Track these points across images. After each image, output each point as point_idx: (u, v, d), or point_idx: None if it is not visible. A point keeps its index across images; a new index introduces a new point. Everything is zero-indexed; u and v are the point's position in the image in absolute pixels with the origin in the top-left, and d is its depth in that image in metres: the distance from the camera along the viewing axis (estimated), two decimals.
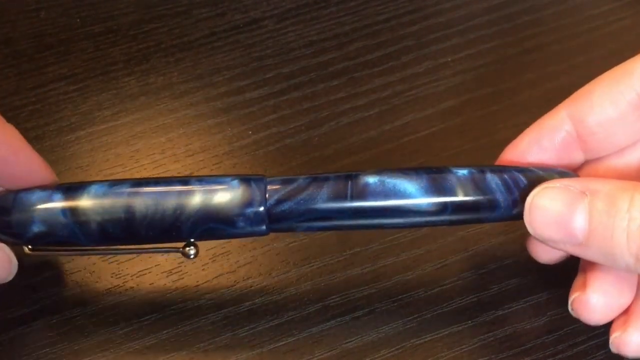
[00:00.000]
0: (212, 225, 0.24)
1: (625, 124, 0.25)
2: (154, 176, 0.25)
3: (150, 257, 0.29)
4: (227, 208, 0.24)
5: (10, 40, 0.36)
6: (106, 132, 0.33)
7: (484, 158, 0.29)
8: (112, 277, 0.28)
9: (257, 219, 0.24)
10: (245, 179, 0.24)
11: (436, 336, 0.27)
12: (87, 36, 0.36)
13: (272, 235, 0.29)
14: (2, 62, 0.35)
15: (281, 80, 0.35)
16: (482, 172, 0.24)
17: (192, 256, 0.26)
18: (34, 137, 0.32)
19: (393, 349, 0.27)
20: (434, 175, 0.24)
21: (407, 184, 0.24)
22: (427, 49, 0.36)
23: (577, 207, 0.22)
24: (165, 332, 0.27)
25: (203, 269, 0.29)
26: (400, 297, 0.28)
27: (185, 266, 0.29)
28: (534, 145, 0.26)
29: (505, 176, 0.24)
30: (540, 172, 0.25)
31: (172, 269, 0.29)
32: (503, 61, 0.36)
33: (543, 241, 0.24)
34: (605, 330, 0.26)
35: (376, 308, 0.28)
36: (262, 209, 0.24)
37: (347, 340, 0.27)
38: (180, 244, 0.26)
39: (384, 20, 0.37)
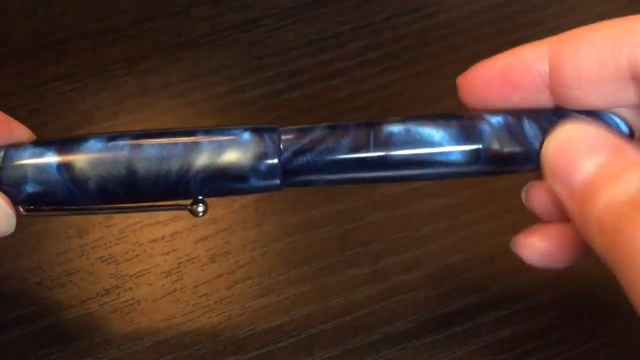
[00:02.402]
0: (222, 182, 0.22)
1: (602, 89, 0.22)
2: (156, 128, 0.23)
3: (149, 258, 0.29)
4: (238, 163, 0.22)
5: (8, 39, 0.36)
6: (105, 132, 0.33)
7: None
8: (110, 277, 0.28)
9: (270, 173, 0.22)
10: (257, 130, 0.22)
11: (437, 337, 0.27)
12: (85, 35, 0.36)
13: (271, 235, 0.29)
14: (0, 61, 0.35)
15: (281, 80, 0.35)
16: (519, 118, 0.22)
17: (200, 214, 0.23)
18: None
19: (393, 349, 0.27)
20: (465, 122, 0.22)
21: (435, 133, 0.22)
22: (428, 48, 0.36)
23: (594, 155, 0.20)
24: (164, 333, 0.27)
25: (202, 270, 0.29)
26: (400, 297, 0.28)
27: (184, 267, 0.29)
28: (500, 75, 0.23)
29: (543, 122, 0.22)
30: (585, 117, 0.22)
31: (171, 270, 0.29)
32: None
33: (547, 171, 0.21)
34: (606, 330, 0.26)
35: (376, 308, 0.28)
36: (276, 161, 0.22)
37: (347, 341, 0.27)
38: (188, 201, 0.23)
39: (384, 19, 0.37)
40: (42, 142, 0.22)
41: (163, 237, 0.29)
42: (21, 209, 0.23)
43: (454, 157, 0.22)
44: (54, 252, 0.29)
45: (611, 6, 0.38)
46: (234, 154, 0.22)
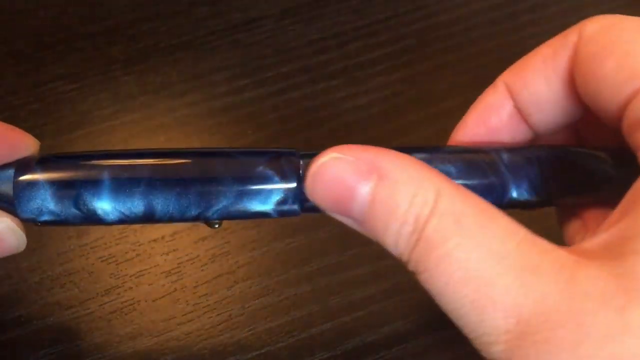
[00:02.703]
0: (242, 216, 0.22)
1: (558, 104, 0.22)
2: (171, 149, 0.22)
3: (149, 258, 0.29)
4: (258, 204, 0.21)
5: (8, 39, 0.35)
6: (105, 132, 0.33)
7: None
8: (110, 277, 0.28)
9: (290, 204, 0.21)
10: (276, 161, 0.21)
11: (437, 337, 0.27)
12: (85, 35, 0.36)
13: (271, 235, 0.29)
14: (0, 62, 0.35)
15: (281, 80, 0.35)
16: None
17: (217, 226, 0.23)
18: (36, 135, 0.32)
19: (393, 349, 0.27)
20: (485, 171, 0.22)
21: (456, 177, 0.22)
22: (428, 48, 0.36)
23: (361, 184, 0.19)
24: (163, 334, 0.27)
25: (202, 270, 0.29)
26: (400, 297, 0.28)
27: (184, 267, 0.29)
28: (481, 126, 0.24)
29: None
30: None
31: (171, 270, 0.29)
32: (504, 60, 0.36)
33: (320, 205, 0.20)
34: None
35: (376, 308, 0.28)
36: (296, 202, 0.21)
37: (347, 341, 0.27)
38: None
39: (384, 19, 0.37)
40: (55, 169, 0.22)
41: (163, 237, 0.29)
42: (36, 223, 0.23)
43: None
44: (54, 252, 0.29)
45: (611, 6, 0.38)
46: (255, 197, 0.21)
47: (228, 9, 0.37)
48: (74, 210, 0.21)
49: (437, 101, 0.34)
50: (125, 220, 0.22)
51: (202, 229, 0.30)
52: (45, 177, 0.21)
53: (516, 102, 0.23)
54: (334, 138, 0.33)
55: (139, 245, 0.29)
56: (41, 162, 0.21)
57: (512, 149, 0.23)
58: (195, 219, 0.22)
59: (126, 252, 0.29)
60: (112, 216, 0.21)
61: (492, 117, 0.24)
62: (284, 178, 0.21)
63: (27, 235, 0.29)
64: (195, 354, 0.27)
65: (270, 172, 0.21)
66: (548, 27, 0.37)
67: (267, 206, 0.22)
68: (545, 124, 0.23)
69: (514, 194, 0.22)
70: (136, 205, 0.21)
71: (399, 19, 0.37)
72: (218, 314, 0.28)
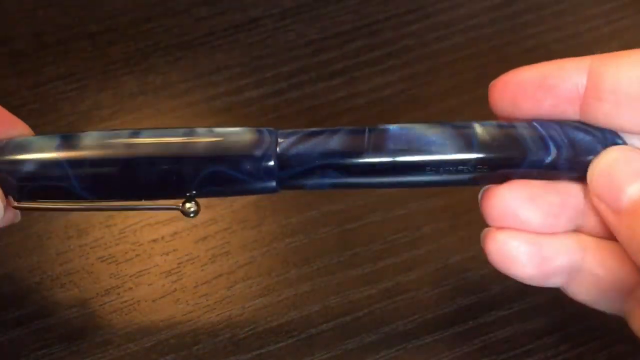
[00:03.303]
0: (218, 168, 0.22)
1: (637, 109, 0.22)
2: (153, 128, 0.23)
3: (149, 258, 0.29)
4: (234, 149, 0.22)
5: (8, 39, 0.36)
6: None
7: None
8: (110, 277, 0.28)
9: (267, 171, 0.22)
10: (259, 136, 0.22)
11: (437, 337, 0.27)
12: (85, 35, 0.36)
13: (271, 235, 0.29)
14: (0, 61, 0.35)
15: (281, 80, 0.35)
16: (514, 127, 0.23)
17: (192, 214, 0.23)
18: None
19: (393, 349, 0.27)
20: (459, 127, 0.22)
21: (431, 135, 0.22)
22: (428, 48, 0.36)
23: (638, 180, 0.21)
24: (164, 333, 0.27)
25: (202, 270, 0.29)
26: (400, 297, 0.28)
27: (184, 267, 0.29)
28: (536, 79, 0.23)
29: (536, 124, 0.23)
30: (585, 127, 0.23)
31: (171, 270, 0.29)
32: (504, 60, 0.36)
33: (592, 191, 0.22)
34: (606, 330, 0.26)
35: (376, 308, 0.28)
36: (272, 162, 0.22)
37: (347, 341, 0.27)
38: (179, 201, 0.23)
39: (384, 19, 0.37)
40: (43, 134, 0.23)
41: (163, 237, 0.29)
42: (13, 201, 0.23)
43: (448, 153, 0.22)
44: (54, 252, 0.29)
45: (611, 6, 0.38)
46: (232, 140, 0.22)
47: (228, 9, 0.37)
48: (54, 155, 0.22)
49: (437, 101, 0.34)
50: (102, 170, 0.22)
51: (202, 229, 0.30)
52: (32, 137, 0.23)
53: (594, 83, 0.22)
54: None
55: (139, 245, 0.29)
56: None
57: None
58: (174, 164, 0.22)
59: (126, 252, 0.29)
60: (89, 162, 0.22)
61: (554, 77, 0.23)
62: (264, 152, 0.22)
63: (27, 237, 0.29)
64: (195, 353, 0.27)
65: (248, 132, 0.22)
66: (547, 27, 0.37)
67: (245, 176, 0.22)
68: (608, 118, 0.23)
69: (484, 139, 0.22)
70: (117, 147, 0.22)
71: (399, 19, 0.37)
72: (218, 314, 0.28)
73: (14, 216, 0.24)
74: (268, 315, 0.28)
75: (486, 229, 0.23)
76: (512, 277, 0.23)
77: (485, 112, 0.34)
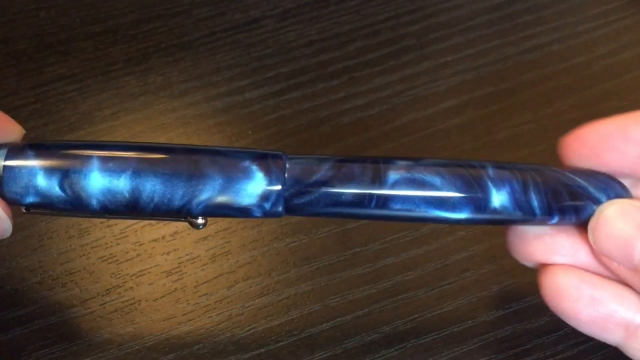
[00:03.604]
0: (225, 212, 0.22)
1: None
2: (161, 144, 0.23)
3: (149, 258, 0.29)
4: (243, 201, 0.22)
5: (9, 39, 0.36)
6: (106, 132, 0.33)
7: (485, 158, 0.29)
8: (111, 277, 0.28)
9: (274, 207, 0.22)
10: (263, 159, 0.22)
11: (436, 336, 0.27)
12: (86, 36, 0.36)
13: (271, 235, 0.30)
14: (1, 62, 0.35)
15: (281, 80, 0.35)
16: (525, 187, 0.22)
17: (200, 226, 0.23)
18: (34, 137, 0.32)
19: (393, 349, 0.27)
20: (470, 178, 0.22)
21: (439, 185, 0.22)
22: (428, 49, 0.36)
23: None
24: (164, 333, 0.27)
25: (202, 269, 0.29)
26: (400, 297, 0.28)
27: (184, 266, 0.29)
28: (618, 133, 0.22)
29: (548, 190, 0.22)
30: (590, 190, 0.23)
31: (172, 269, 0.29)
32: (503, 61, 0.36)
33: (600, 253, 0.22)
34: None
35: (376, 308, 0.28)
36: (279, 196, 0.22)
37: (347, 341, 0.27)
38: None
39: (384, 19, 0.37)
40: (45, 153, 0.22)
41: (163, 237, 0.30)
42: (22, 208, 0.23)
43: (454, 216, 0.22)
44: (54, 251, 0.29)
45: (611, 6, 0.38)
46: (239, 191, 0.22)
47: (229, 10, 0.37)
48: (58, 192, 0.22)
49: (437, 101, 0.34)
50: (108, 206, 0.22)
51: (202, 229, 0.30)
52: (35, 157, 0.22)
53: None
54: (334, 138, 0.33)
55: (140, 245, 0.29)
56: (31, 145, 0.22)
57: (500, 164, 0.23)
58: (179, 210, 0.22)
59: (127, 252, 0.29)
60: (96, 201, 0.22)
61: (635, 130, 0.22)
62: (270, 177, 0.22)
63: (28, 236, 0.29)
64: (195, 353, 0.27)
65: (255, 169, 0.22)
66: (547, 27, 0.37)
67: (251, 202, 0.22)
68: None
69: (496, 206, 0.22)
70: (121, 190, 0.22)
71: (398, 20, 0.37)
72: (218, 314, 0.28)
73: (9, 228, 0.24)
74: (268, 314, 0.28)
75: (544, 264, 0.23)
76: (565, 319, 0.23)
77: (484, 112, 0.34)
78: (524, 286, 0.29)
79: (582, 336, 0.27)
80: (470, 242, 0.30)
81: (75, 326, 0.27)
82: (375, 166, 0.22)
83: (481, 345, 0.27)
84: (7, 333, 0.27)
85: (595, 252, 0.23)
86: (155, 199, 0.22)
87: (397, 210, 0.22)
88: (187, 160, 0.22)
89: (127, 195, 0.22)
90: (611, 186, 0.23)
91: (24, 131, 0.23)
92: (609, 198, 0.22)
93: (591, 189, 0.22)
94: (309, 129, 0.33)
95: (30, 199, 0.22)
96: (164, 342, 0.27)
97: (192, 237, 0.30)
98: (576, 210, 0.22)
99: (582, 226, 0.23)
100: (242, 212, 0.22)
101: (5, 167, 0.22)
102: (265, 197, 0.22)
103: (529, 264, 0.24)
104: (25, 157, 0.22)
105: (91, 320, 0.27)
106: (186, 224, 0.30)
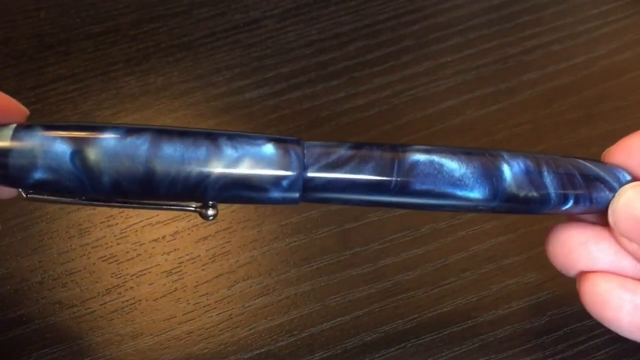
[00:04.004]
0: (242, 191, 0.21)
1: None
2: (176, 127, 0.22)
3: (150, 258, 0.29)
4: (260, 176, 0.21)
5: (9, 40, 0.36)
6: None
7: None
8: (111, 277, 0.28)
9: (291, 187, 0.21)
10: (281, 142, 0.22)
11: (436, 336, 0.27)
12: (87, 36, 0.36)
13: (271, 235, 0.30)
14: (1, 62, 0.35)
15: (281, 80, 0.35)
16: (538, 166, 0.23)
17: (210, 217, 0.22)
18: None
19: (393, 349, 0.27)
20: (486, 161, 0.22)
21: (457, 168, 0.22)
22: (427, 49, 0.36)
23: None
24: (164, 333, 0.27)
25: (203, 269, 0.29)
26: (400, 297, 0.28)
27: (185, 266, 0.29)
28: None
29: (561, 172, 0.23)
30: (602, 174, 0.23)
31: (172, 269, 0.29)
32: (503, 61, 0.36)
33: (620, 234, 0.22)
34: (606, 329, 0.26)
35: (376, 308, 0.28)
36: (298, 177, 0.21)
37: (347, 341, 0.27)
38: (198, 204, 0.22)
39: (384, 19, 0.37)
40: (55, 126, 0.21)
41: (164, 237, 0.30)
42: (22, 193, 0.22)
43: (472, 195, 0.22)
44: (55, 251, 0.29)
45: (611, 6, 0.38)
46: (257, 165, 0.21)
47: (229, 10, 0.37)
48: (69, 166, 0.20)
49: (437, 101, 0.34)
50: (120, 183, 0.21)
51: (202, 228, 0.30)
52: (46, 130, 0.21)
53: None
54: (334, 138, 0.33)
55: (140, 245, 0.29)
56: (41, 124, 0.21)
57: (512, 151, 0.23)
58: (195, 188, 0.21)
59: (127, 252, 0.29)
60: (108, 178, 0.21)
61: None
62: (289, 158, 0.21)
63: (29, 236, 0.29)
64: (195, 353, 0.27)
65: (273, 149, 0.21)
66: (547, 27, 0.37)
67: (269, 181, 0.21)
68: None
69: (512, 184, 0.22)
70: (136, 164, 0.21)
71: (398, 20, 0.37)
72: (218, 313, 0.28)
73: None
74: (268, 314, 0.28)
75: (584, 272, 0.23)
76: (606, 325, 0.23)
77: (484, 112, 0.34)
78: (524, 286, 0.29)
79: (581, 336, 0.27)
80: (470, 242, 0.30)
81: (75, 326, 0.27)
82: (394, 148, 0.22)
83: (481, 345, 0.27)
84: (7, 333, 0.27)
85: (615, 235, 0.23)
86: (171, 173, 0.21)
87: (416, 193, 0.22)
88: (203, 134, 0.21)
89: (141, 168, 0.21)
90: (621, 173, 0.23)
91: (28, 112, 0.22)
92: (620, 184, 0.23)
93: (603, 174, 0.23)
94: (309, 129, 0.33)
95: (37, 174, 0.20)
96: (164, 341, 0.27)
97: (193, 237, 0.30)
98: (590, 193, 0.23)
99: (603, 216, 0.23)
100: (258, 192, 0.21)
101: (14, 135, 0.20)
102: (282, 178, 0.21)
103: (570, 272, 0.24)
104: (35, 130, 0.21)
105: (91, 320, 0.27)
106: (187, 223, 0.30)
